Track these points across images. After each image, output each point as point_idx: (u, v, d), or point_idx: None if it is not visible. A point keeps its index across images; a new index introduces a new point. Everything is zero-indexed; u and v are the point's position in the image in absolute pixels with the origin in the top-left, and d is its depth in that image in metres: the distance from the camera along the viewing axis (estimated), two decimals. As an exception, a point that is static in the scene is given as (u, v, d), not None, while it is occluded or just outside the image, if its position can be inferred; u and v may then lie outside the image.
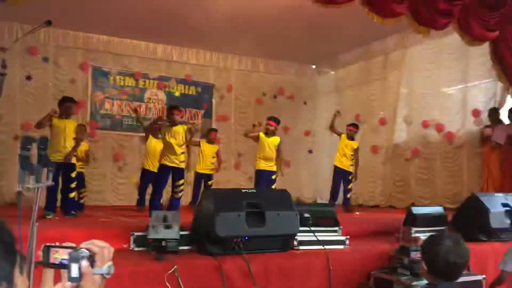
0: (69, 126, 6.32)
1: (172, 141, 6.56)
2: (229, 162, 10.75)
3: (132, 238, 4.09)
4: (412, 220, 5.14)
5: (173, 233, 4.02)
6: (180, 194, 6.65)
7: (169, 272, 3.54)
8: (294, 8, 7.63)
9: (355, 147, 8.41)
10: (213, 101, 11.10)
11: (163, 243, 3.93)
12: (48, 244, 1.24)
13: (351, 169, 8.38)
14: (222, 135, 10.36)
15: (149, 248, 3.96)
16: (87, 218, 6.29)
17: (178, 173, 6.59)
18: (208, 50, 10.71)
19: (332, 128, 8.61)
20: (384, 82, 10.13)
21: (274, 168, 7.50)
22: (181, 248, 4.04)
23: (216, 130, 9.11)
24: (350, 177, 8.36)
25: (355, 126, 8.62)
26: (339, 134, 8.51)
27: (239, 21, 8.29)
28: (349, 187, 8.39)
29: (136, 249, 4.06)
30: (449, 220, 5.40)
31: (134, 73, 10.20)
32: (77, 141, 6.43)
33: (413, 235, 5.05)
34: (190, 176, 8.89)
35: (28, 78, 9.10)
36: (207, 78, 10.95)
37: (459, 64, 8.62)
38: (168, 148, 6.61)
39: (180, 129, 6.69)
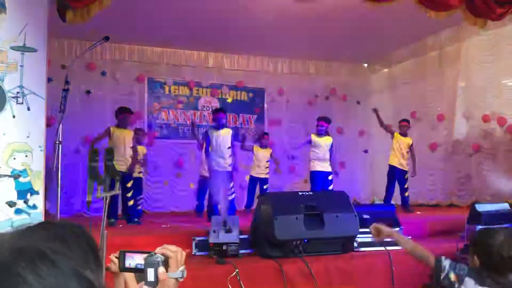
0: (127, 136, 6.57)
1: (222, 144, 6.64)
2: (283, 165, 10.74)
3: (194, 243, 4.19)
4: (477, 217, 4.97)
5: (233, 237, 4.10)
6: (232, 196, 6.73)
7: (231, 275, 3.61)
8: (343, 7, 7.57)
9: (410, 143, 8.22)
10: (265, 105, 11.16)
11: (224, 247, 4.02)
12: (123, 249, 1.31)
13: (407, 167, 8.20)
14: (275, 139, 10.40)
15: (210, 253, 4.05)
16: (149, 225, 6.49)
17: (227, 176, 6.66)
18: (259, 55, 10.79)
19: (382, 125, 8.44)
20: (441, 77, 9.84)
21: (329, 169, 7.48)
22: (241, 251, 4.11)
23: (268, 134, 9.16)
24: (405, 176, 8.17)
25: (407, 121, 8.44)
26: (392, 133, 8.34)
27: (288, 24, 8.30)
28: (406, 186, 8.18)
29: (198, 253, 4.17)
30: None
31: (188, 82, 10.43)
32: (134, 149, 6.68)
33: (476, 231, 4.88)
34: (243, 180, 8.98)
35: (88, 92, 9.48)
36: (258, 83, 11.03)
37: (519, 54, 8.26)
38: (215, 152, 6.69)
39: (226, 132, 6.78)
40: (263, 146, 8.72)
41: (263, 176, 8.64)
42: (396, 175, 8.17)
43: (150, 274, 1.25)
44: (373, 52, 10.64)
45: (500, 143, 8.56)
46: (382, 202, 8.56)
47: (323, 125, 7.46)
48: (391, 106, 11.08)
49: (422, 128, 9.98)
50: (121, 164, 6.37)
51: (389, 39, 9.41)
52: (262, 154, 8.65)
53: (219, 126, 6.75)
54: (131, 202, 6.57)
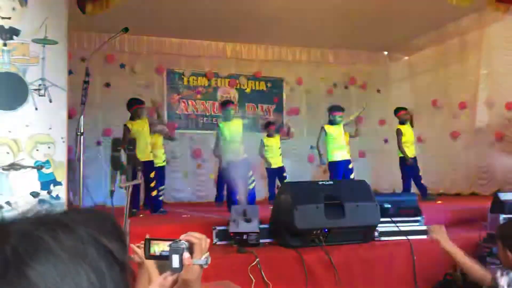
0: (145, 126, 6.66)
1: (232, 134, 6.67)
2: (302, 155, 10.73)
3: (214, 233, 4.22)
4: (500, 206, 4.90)
5: (253, 226, 4.11)
6: (252, 185, 6.74)
7: (251, 264, 3.62)
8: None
9: (411, 128, 8.16)
10: (284, 95, 11.12)
11: (244, 237, 4.03)
12: (149, 237, 1.33)
13: (415, 154, 8.09)
14: (294, 128, 10.34)
15: (231, 242, 4.07)
16: (169, 215, 6.54)
17: (244, 164, 6.65)
18: (276, 44, 10.73)
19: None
20: (462, 65, 9.68)
21: (349, 156, 7.43)
22: (261, 241, 4.12)
23: (274, 123, 9.02)
24: (417, 163, 8.06)
25: (404, 109, 8.25)
26: (400, 135, 8.04)
27: (306, 13, 8.24)
28: (420, 173, 8.05)
29: (218, 243, 4.19)
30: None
31: (206, 73, 10.44)
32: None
33: (502, 223, 4.82)
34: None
35: (107, 85, 9.56)
36: (276, 72, 10.98)
37: (544, 40, 8.08)
38: (229, 143, 6.72)
39: (237, 123, 6.81)
40: (270, 135, 8.63)
41: (279, 165, 8.57)
42: (409, 165, 8.04)
43: (175, 261, 1.27)
44: (393, 40, 10.51)
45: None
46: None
47: (340, 115, 7.40)
48: (411, 95, 10.96)
49: (443, 117, 9.84)
50: (142, 155, 6.44)
51: (410, 26, 9.28)
52: (272, 143, 8.56)
53: (229, 117, 6.77)
54: (154, 193, 6.66)
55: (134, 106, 6.74)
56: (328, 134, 7.36)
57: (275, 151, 8.52)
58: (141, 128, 6.59)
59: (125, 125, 6.65)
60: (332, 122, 7.40)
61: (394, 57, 11.68)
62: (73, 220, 0.55)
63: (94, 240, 0.54)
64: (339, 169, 7.27)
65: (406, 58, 11.44)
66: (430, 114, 10.22)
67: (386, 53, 11.77)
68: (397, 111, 8.30)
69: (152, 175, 6.64)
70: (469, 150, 9.41)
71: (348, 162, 7.36)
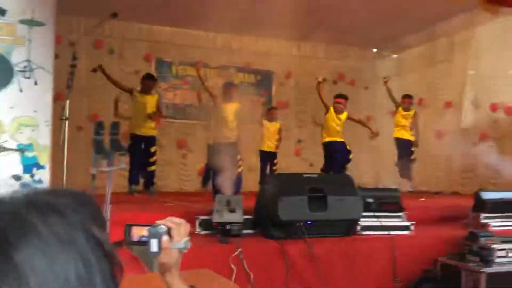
0: (150, 101, 6.75)
1: (227, 116, 6.68)
2: (289, 149, 10.74)
3: (197, 222, 4.21)
4: (482, 205, 4.96)
5: (237, 217, 4.11)
6: (240, 169, 6.76)
7: (233, 254, 3.63)
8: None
9: (412, 113, 8.50)
10: (273, 88, 11.10)
11: (227, 227, 4.03)
12: (129, 223, 1.32)
13: (412, 138, 8.46)
14: (282, 122, 10.33)
15: (213, 232, 4.07)
16: (153, 203, 6.49)
17: (234, 148, 6.66)
18: (267, 37, 10.69)
19: (391, 96, 8.62)
20: (450, 65, 9.74)
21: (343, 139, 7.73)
22: (245, 231, 4.12)
23: (275, 108, 9.12)
24: (412, 148, 8.38)
25: (410, 97, 8.67)
26: (397, 106, 8.61)
27: (298, 6, 8.21)
28: (412, 157, 8.33)
29: (201, 232, 4.18)
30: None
31: (195, 63, 10.35)
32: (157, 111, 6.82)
33: (482, 221, 4.89)
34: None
35: (94, 70, 9.40)
36: (266, 65, 10.95)
37: (531, 44, 8.16)
38: (221, 123, 6.74)
39: (234, 106, 6.80)
40: (270, 120, 8.71)
41: (272, 150, 8.61)
42: (402, 146, 8.43)
43: (153, 245, 1.26)
44: (382, 37, 10.54)
45: (507, 133, 8.50)
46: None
47: (340, 102, 7.65)
48: (399, 92, 11.00)
49: (429, 115, 9.91)
50: (143, 129, 6.52)
51: (399, 24, 9.31)
52: (271, 128, 8.63)
53: (228, 99, 6.76)
54: (152, 168, 6.71)
55: (146, 79, 6.95)
56: (329, 114, 7.61)
57: (272, 136, 8.60)
58: (144, 101, 6.68)
59: (133, 88, 6.84)
60: (335, 110, 7.64)
61: (383, 54, 11.73)
62: (64, 205, 0.53)
63: (84, 228, 0.52)
64: (335, 148, 7.44)
65: (395, 56, 11.48)
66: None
67: (375, 50, 11.80)
68: (403, 97, 8.68)
69: (153, 150, 6.71)
70: (452, 150, 9.50)
71: (343, 143, 7.54)
